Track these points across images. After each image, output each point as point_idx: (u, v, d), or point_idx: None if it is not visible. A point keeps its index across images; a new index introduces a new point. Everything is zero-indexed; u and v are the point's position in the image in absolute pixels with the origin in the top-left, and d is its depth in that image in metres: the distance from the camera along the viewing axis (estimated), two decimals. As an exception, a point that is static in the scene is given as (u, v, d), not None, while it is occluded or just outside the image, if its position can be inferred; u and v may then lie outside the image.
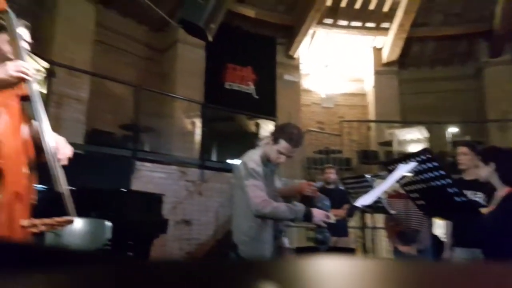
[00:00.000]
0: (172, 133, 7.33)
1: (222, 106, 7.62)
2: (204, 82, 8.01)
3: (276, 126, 2.35)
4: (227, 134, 8.61)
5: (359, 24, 9.34)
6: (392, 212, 2.77)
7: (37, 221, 1.43)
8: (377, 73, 9.63)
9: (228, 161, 7.52)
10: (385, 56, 9.53)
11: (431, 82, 9.76)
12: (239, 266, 0.37)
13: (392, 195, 3.22)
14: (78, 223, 1.74)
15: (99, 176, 4.17)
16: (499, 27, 8.63)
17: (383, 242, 5.47)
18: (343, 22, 9.32)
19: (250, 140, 8.73)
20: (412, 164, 1.78)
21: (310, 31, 9.13)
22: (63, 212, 1.53)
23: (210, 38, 4.10)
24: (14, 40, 1.58)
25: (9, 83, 1.51)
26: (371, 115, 9.54)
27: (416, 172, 1.77)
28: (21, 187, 1.43)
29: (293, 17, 9.08)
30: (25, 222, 1.41)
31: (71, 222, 1.47)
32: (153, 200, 3.68)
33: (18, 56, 1.58)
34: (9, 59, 1.60)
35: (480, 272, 0.35)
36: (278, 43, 9.29)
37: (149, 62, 8.32)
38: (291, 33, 9.23)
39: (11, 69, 1.49)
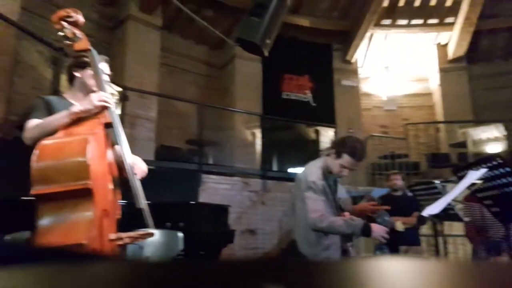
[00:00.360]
0: (233, 145, 7.58)
1: (280, 116, 7.72)
2: (261, 93, 8.19)
3: (338, 139, 2.33)
4: (287, 143, 8.67)
5: (420, 21, 8.93)
6: (466, 219, 2.61)
7: (123, 234, 1.61)
8: (443, 70, 9.10)
9: (289, 170, 7.58)
10: (451, 52, 8.98)
11: (505, 76, 8.97)
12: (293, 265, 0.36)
13: (469, 198, 3.01)
14: (156, 235, 1.91)
15: (169, 189, 4.48)
16: None
17: (460, 250, 5.13)
18: (403, 21, 8.98)
19: (310, 148, 8.77)
20: (482, 171, 1.70)
21: (368, 34, 8.92)
22: (141, 224, 1.70)
23: (266, 54, 4.23)
24: (97, 74, 1.81)
25: (93, 112, 1.74)
26: (439, 115, 9.01)
27: (488, 179, 1.69)
28: (108, 204, 1.63)
29: (349, 22, 8.96)
30: (112, 235, 1.59)
31: (152, 235, 1.63)
32: (220, 211, 3.85)
33: (100, 88, 1.81)
34: (93, 91, 1.84)
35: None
36: (335, 49, 9.21)
37: (210, 79, 8.73)
38: (347, 38, 9.10)
39: (95, 99, 1.72)
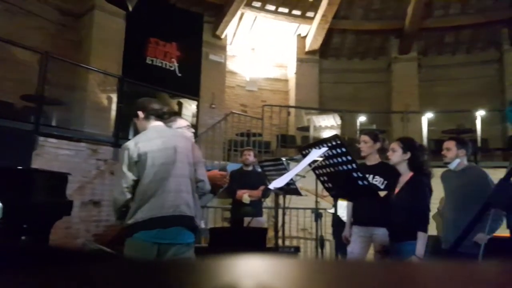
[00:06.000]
0: (84, 107, 6.76)
1: (142, 82, 7.21)
2: (123, 54, 7.49)
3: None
4: (147, 112, 8.21)
5: (286, 10, 9.49)
6: (304, 193, 2.89)
7: None
8: (300, 60, 9.96)
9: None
10: (308, 45, 9.87)
11: (348, 73, 10.39)
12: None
13: None
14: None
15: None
16: (409, 26, 9.45)
17: (294, 222, 5.76)
18: (271, 7, 9.39)
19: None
20: (323, 149, 1.85)
21: (239, 13, 9.04)
22: None
23: (130, 8, 3.78)
24: None
25: None
26: (292, 100, 9.88)
27: (327, 157, 1.85)
28: None
29: (222, -4, 8.89)
30: None
31: None
32: (56, 179, 3.35)
33: None
34: None
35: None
36: (206, 21, 9.04)
37: (61, 28, 7.55)
38: (219, 12, 9.04)
39: None
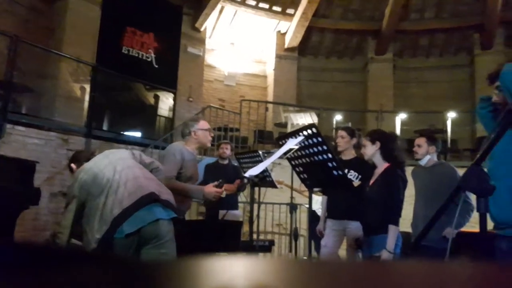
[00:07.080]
0: (55, 96, 6.53)
1: (117, 72, 7.02)
2: (97, 43, 7.26)
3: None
4: (123, 104, 8.05)
5: (266, 6, 9.47)
6: (279, 186, 2.89)
7: None
8: (279, 57, 9.97)
9: (123, 132, 7.03)
10: (287, 42, 9.89)
11: (325, 72, 10.49)
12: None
13: None
14: None
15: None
16: (385, 28, 9.63)
17: (269, 217, 5.76)
18: (252, 2, 9.35)
19: (148, 112, 8.32)
20: (299, 138, 1.85)
21: (219, 6, 8.95)
22: None
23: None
24: None
25: None
26: (270, 97, 9.88)
27: (302, 147, 1.85)
28: None
29: (202, -12, 8.78)
30: None
31: None
32: (23, 168, 3.20)
33: None
34: None
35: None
36: (185, 13, 8.90)
37: (33, 13, 7.25)
38: (199, 4, 8.92)
39: None
